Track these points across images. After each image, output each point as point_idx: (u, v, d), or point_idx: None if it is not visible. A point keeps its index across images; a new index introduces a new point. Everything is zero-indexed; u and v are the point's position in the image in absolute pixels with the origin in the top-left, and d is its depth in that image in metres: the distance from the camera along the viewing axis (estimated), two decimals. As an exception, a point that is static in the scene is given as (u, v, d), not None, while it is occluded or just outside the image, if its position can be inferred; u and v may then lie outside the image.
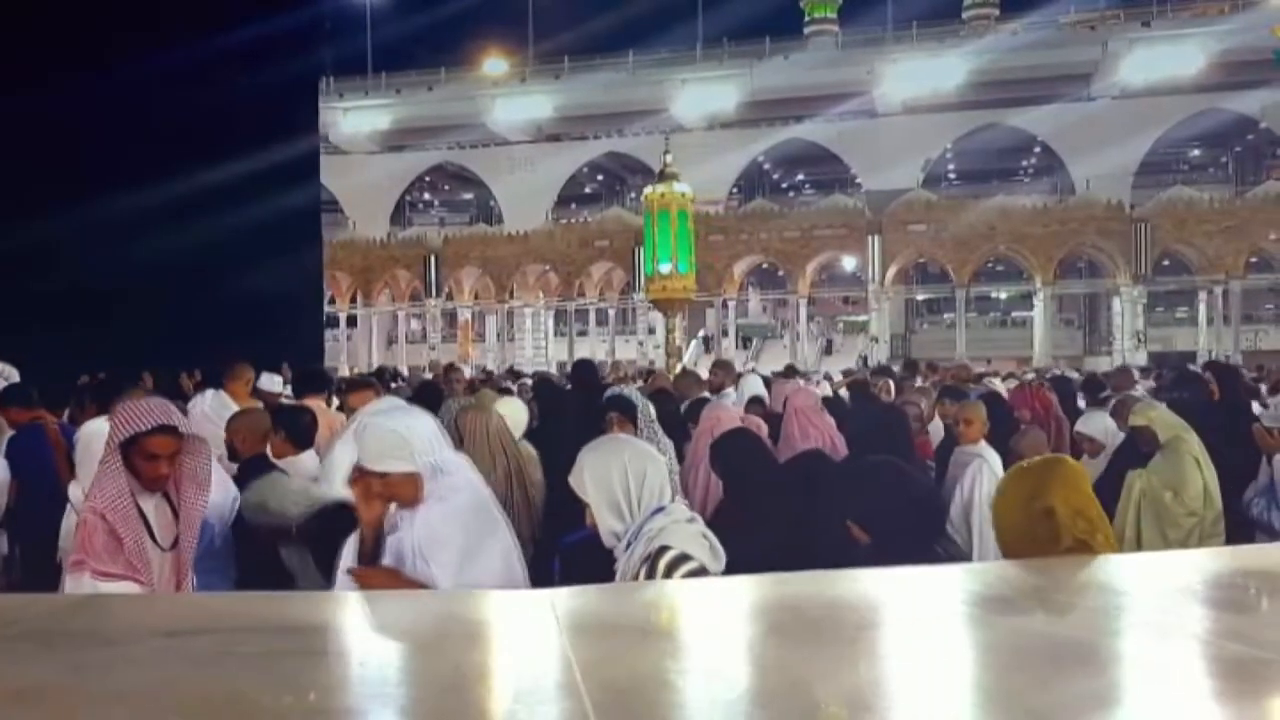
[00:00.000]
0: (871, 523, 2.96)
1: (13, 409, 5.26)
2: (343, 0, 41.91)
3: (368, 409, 3.83)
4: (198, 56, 9.20)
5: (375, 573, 2.49)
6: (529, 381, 11.15)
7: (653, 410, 5.08)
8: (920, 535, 3.03)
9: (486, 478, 5.02)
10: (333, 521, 3.06)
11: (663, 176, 13.48)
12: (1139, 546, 4.12)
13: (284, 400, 6.98)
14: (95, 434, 4.46)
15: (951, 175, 44.46)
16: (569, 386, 8.30)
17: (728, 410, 6.11)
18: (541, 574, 3.21)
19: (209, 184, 9.29)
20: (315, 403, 6.27)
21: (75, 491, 4.03)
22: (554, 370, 25.48)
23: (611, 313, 36.86)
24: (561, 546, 3.42)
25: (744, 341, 38.15)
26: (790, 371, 11.25)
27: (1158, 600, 1.54)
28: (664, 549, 2.40)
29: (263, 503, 3.60)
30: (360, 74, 43.54)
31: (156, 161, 8.68)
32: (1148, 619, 1.42)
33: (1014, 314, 40.97)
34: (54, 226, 7.92)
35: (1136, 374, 11.11)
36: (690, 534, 2.48)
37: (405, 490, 2.49)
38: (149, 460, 2.58)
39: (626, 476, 2.50)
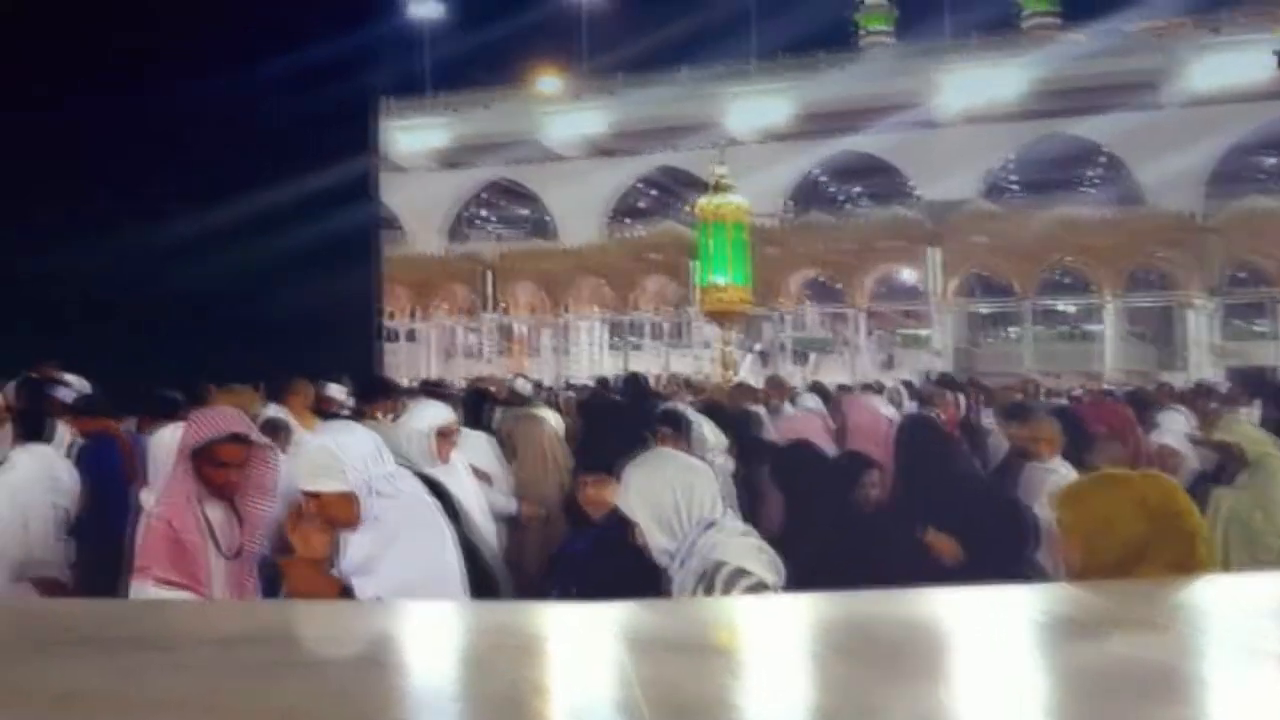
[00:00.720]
0: (956, 535, 2.88)
1: (83, 418, 5.40)
2: (400, 22, 42.67)
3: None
4: (261, 79, 9.43)
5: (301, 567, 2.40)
6: (570, 395, 11.18)
7: (706, 424, 5.04)
8: (1006, 551, 2.93)
9: (538, 488, 5.04)
10: None
11: (716, 188, 13.43)
12: (1226, 568, 3.96)
13: (346, 411, 7.08)
14: (166, 442, 4.54)
15: (1013, 185, 43.71)
16: (619, 399, 8.28)
17: (807, 422, 6.03)
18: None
19: (269, 202, 9.49)
20: (378, 412, 6.36)
21: (147, 498, 4.10)
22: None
23: (666, 326, 36.83)
24: (562, 555, 3.39)
25: (801, 355, 37.83)
26: (852, 387, 11.12)
27: (1248, 624, 1.45)
28: (720, 564, 2.35)
29: None
30: (418, 94, 44.24)
31: (220, 179, 8.90)
32: (1238, 643, 1.34)
33: (1082, 327, 40.03)
34: (124, 243, 8.14)
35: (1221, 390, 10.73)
36: (746, 547, 2.43)
37: (339, 510, 2.41)
38: (219, 467, 2.63)
39: (674, 492, 2.44)
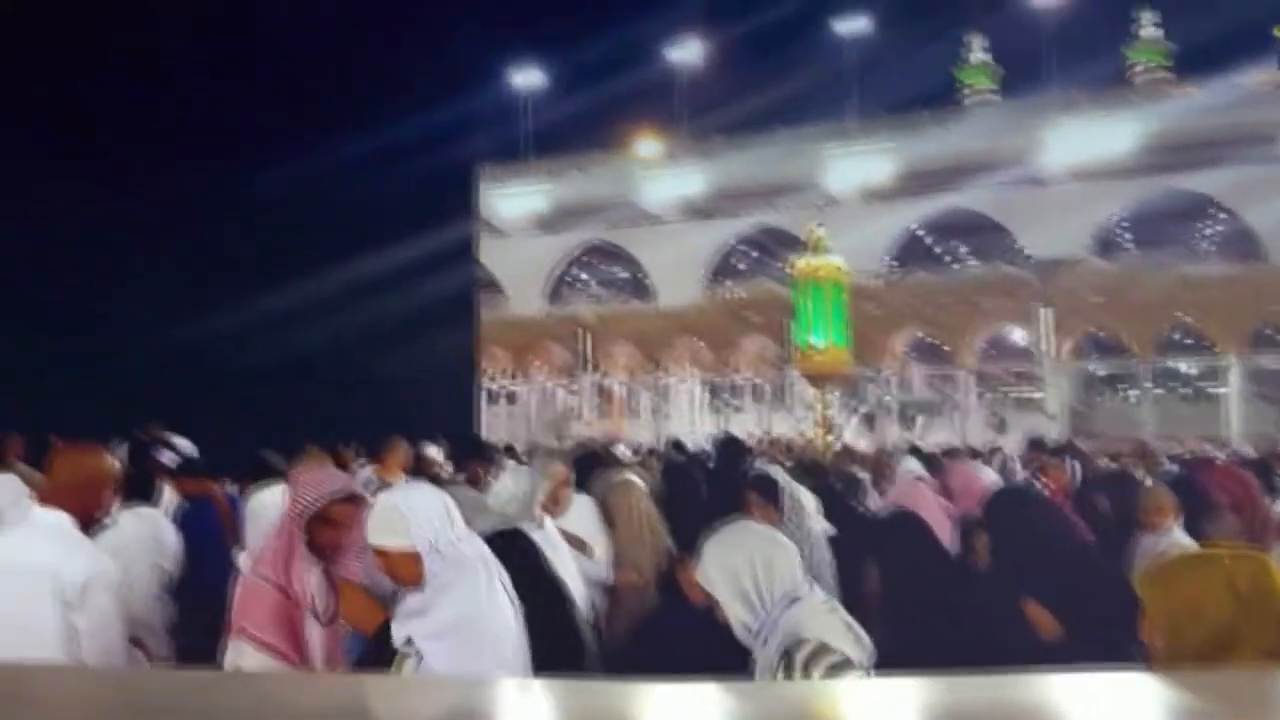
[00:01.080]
0: (1061, 610, 2.68)
1: (186, 480, 5.53)
2: (502, 91, 44.23)
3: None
4: (367, 149, 9.82)
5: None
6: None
7: (801, 490, 4.85)
8: (1112, 628, 2.71)
9: (634, 556, 4.91)
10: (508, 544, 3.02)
11: (813, 249, 13.32)
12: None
13: (443, 471, 7.14)
14: (266, 503, 4.59)
15: (1126, 242, 42.24)
16: (704, 465, 8.12)
17: (912, 490, 5.77)
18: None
19: (372, 267, 9.78)
20: (474, 472, 6.38)
21: (243, 560, 4.13)
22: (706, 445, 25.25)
23: (766, 387, 36.52)
24: (652, 629, 3.26)
25: (907, 417, 36.96)
26: (959, 451, 10.71)
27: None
28: (801, 641, 2.24)
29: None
30: (518, 160, 45.52)
31: (324, 245, 9.24)
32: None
33: (1204, 388, 38.08)
34: (229, 309, 8.48)
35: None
36: (830, 623, 2.32)
37: (404, 569, 2.42)
38: (332, 528, 2.63)
39: (754, 566, 2.38)
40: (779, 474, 4.15)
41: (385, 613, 2.46)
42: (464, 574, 2.43)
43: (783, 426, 33.96)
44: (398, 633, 2.41)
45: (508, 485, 4.18)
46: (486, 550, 2.55)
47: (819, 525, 4.80)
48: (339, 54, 10.23)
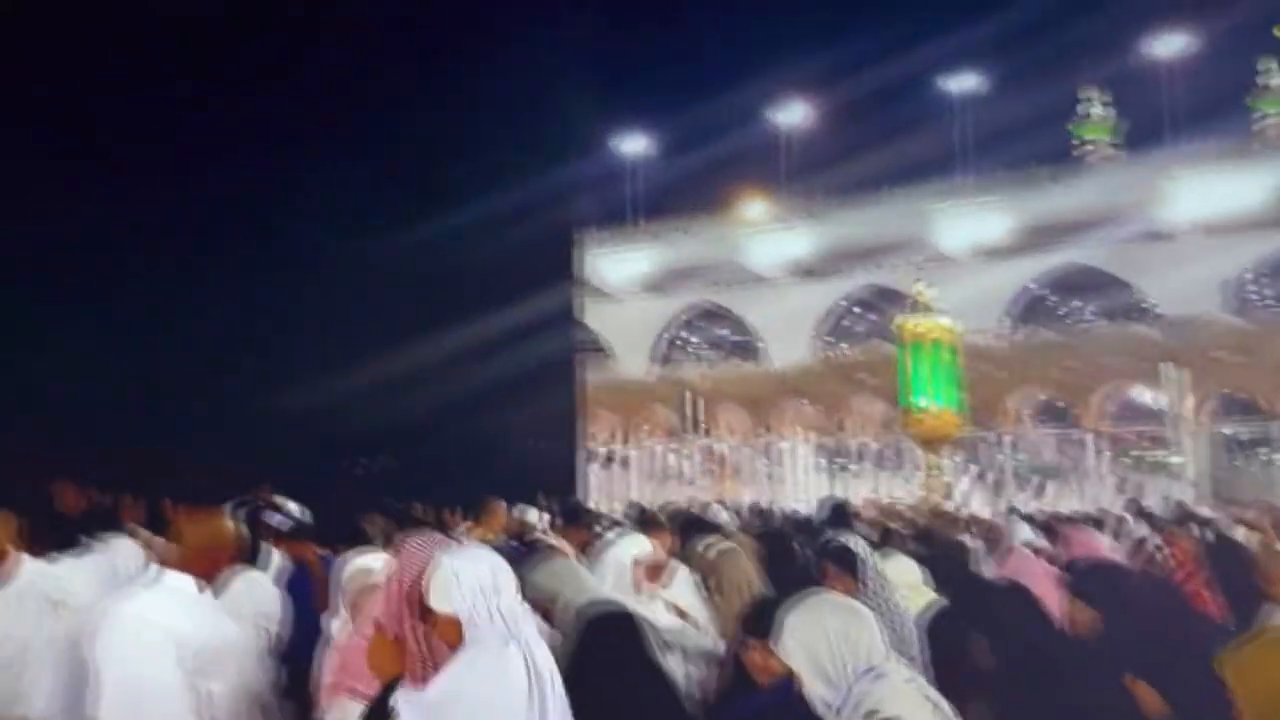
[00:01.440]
0: (1168, 689, 2.51)
1: (292, 544, 5.67)
2: (605, 155, 45.23)
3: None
4: (471, 215, 10.14)
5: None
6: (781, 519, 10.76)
7: (898, 559, 4.66)
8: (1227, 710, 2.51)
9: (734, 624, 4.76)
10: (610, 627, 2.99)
11: (917, 308, 13.04)
12: None
13: (541, 534, 7.12)
14: (355, 566, 4.66)
15: (1258, 298, 40.06)
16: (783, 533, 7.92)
17: (1024, 561, 5.51)
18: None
19: (476, 330, 10.01)
20: (573, 537, 6.36)
21: (331, 624, 4.18)
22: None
23: (878, 449, 35.67)
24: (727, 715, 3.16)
25: (1028, 481, 35.50)
26: (1077, 518, 10.18)
27: None
28: (873, 713, 2.20)
29: (528, 577, 3.66)
30: (623, 223, 46.30)
31: (428, 309, 9.53)
32: None
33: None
34: (336, 375, 8.78)
35: None
36: (909, 696, 2.26)
37: (448, 632, 2.42)
38: None
39: (831, 638, 2.35)
40: (858, 544, 4.00)
41: (401, 669, 2.48)
42: (479, 651, 2.40)
43: (897, 490, 33.07)
44: (398, 693, 2.42)
45: (609, 555, 4.15)
46: (530, 628, 2.49)
47: (926, 596, 4.60)
48: (446, 121, 10.62)
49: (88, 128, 7.80)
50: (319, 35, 9.28)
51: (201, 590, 2.92)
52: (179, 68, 8.31)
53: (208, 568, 2.97)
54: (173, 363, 7.96)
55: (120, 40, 7.88)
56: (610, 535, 4.98)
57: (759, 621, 2.91)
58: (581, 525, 7.16)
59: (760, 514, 11.27)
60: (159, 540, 5.14)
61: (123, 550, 4.49)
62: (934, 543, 6.36)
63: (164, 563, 2.97)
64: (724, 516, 10.00)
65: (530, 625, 2.52)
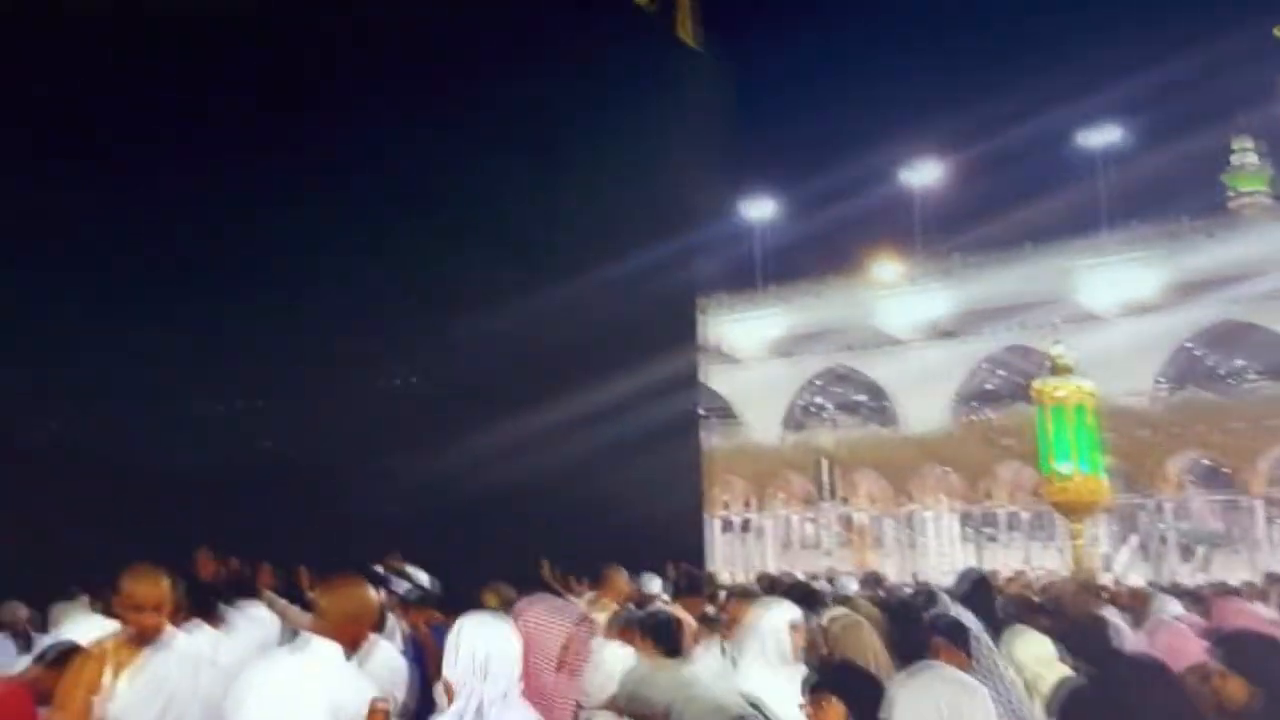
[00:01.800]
0: None
1: (415, 611, 5.81)
2: (731, 219, 45.52)
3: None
4: (595, 280, 10.36)
5: None
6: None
7: (1024, 635, 4.46)
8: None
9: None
10: None
11: (1056, 370, 12.54)
12: None
13: (662, 603, 7.07)
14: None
15: None
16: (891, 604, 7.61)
17: (1174, 636, 5.17)
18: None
19: (595, 394, 10.14)
20: (692, 606, 6.30)
21: (439, 693, 4.25)
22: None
23: (1024, 516, 34.09)
24: None
25: (1187, 550, 33.20)
26: (1234, 589, 9.46)
27: None
28: None
29: (633, 692, 3.67)
30: (750, 286, 46.30)
31: (552, 374, 9.73)
32: None
33: None
34: (464, 440, 9.03)
35: None
36: None
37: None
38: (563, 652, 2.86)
39: (943, 712, 2.34)
40: (969, 618, 3.86)
41: None
42: None
43: (1050, 561, 31.39)
44: None
45: (765, 623, 4.09)
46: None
47: (1059, 672, 4.40)
48: (573, 186, 10.92)
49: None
50: (448, 103, 9.63)
51: (348, 658, 3.04)
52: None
53: (353, 636, 3.07)
54: (303, 434, 8.33)
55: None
56: (761, 603, 4.94)
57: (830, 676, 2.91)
58: (701, 595, 7.07)
59: (882, 584, 10.91)
60: (294, 608, 5.38)
61: (261, 618, 4.71)
62: (1071, 616, 6.02)
63: (314, 629, 3.08)
64: (853, 587, 9.73)
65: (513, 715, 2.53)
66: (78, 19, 7.59)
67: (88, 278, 7.52)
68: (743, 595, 5.62)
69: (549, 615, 2.83)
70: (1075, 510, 12.21)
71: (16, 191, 7.13)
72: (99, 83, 7.68)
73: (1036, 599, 8.67)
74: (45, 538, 6.62)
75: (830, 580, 10.55)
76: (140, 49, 7.93)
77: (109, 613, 4.19)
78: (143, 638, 3.44)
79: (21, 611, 5.95)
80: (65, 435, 7.48)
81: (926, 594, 6.68)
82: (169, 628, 3.56)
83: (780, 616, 4.11)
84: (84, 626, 4.14)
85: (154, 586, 3.46)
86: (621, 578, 7.17)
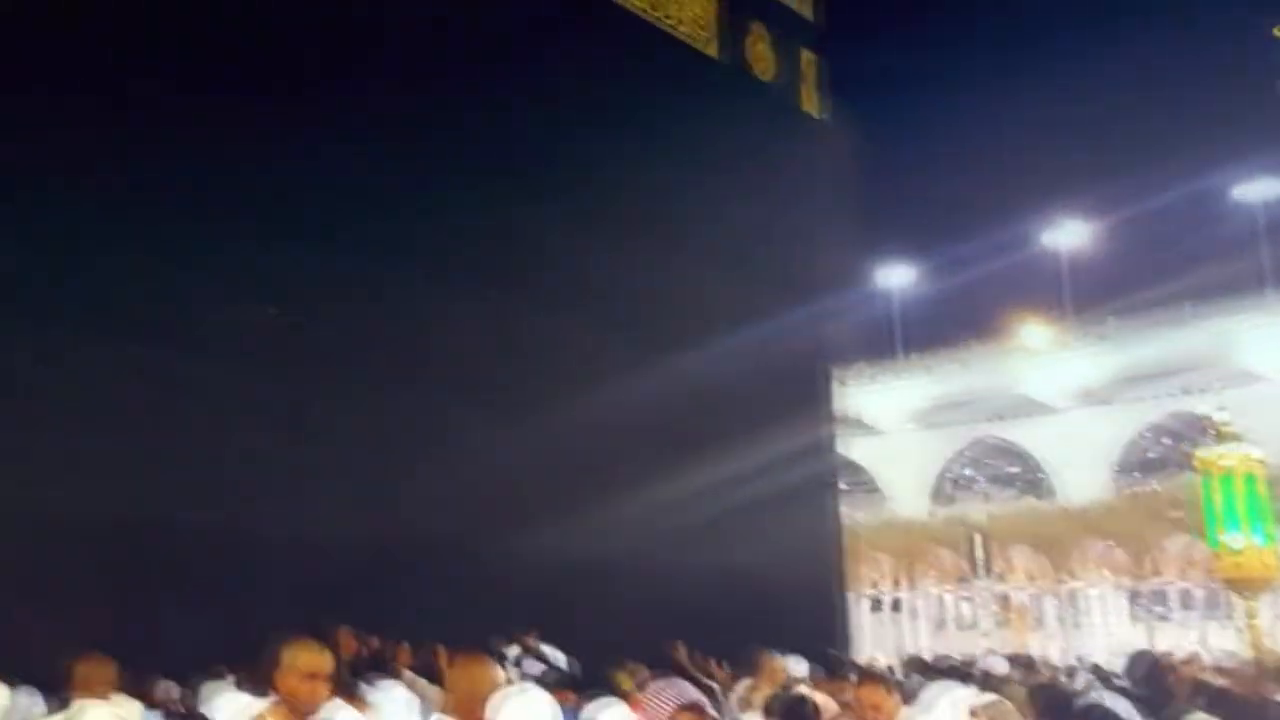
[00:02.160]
0: None
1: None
2: (867, 286, 44.71)
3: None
4: (723, 348, 10.40)
5: None
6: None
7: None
8: None
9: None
10: None
11: (1220, 437, 11.78)
12: None
13: (804, 687, 6.91)
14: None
15: None
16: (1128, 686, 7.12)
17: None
18: None
19: (726, 465, 10.08)
20: (835, 690, 6.11)
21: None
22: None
23: (1198, 594, 31.60)
24: None
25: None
26: None
27: None
28: None
29: None
30: (890, 355, 45.22)
31: (683, 443, 9.74)
32: None
33: None
34: (590, 520, 9.11)
35: None
36: None
37: None
38: None
39: None
40: (1120, 704, 3.62)
41: None
42: None
43: (1228, 642, 28.95)
44: None
45: (943, 705, 3.99)
46: None
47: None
48: (704, 253, 11.04)
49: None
50: (592, 188, 9.94)
51: None
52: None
53: (477, 713, 3.10)
54: (429, 510, 8.56)
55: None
56: (937, 685, 4.81)
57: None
58: (843, 679, 6.86)
59: (1033, 667, 10.34)
60: (433, 688, 5.50)
61: (398, 696, 4.85)
62: (1239, 701, 5.57)
63: (443, 708, 3.22)
64: (1002, 668, 9.29)
65: None
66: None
67: (232, 366, 8.00)
68: (871, 678, 5.42)
69: (656, 698, 2.84)
70: (1249, 586, 11.32)
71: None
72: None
73: (1212, 683, 8.05)
74: (189, 615, 6.89)
75: (973, 664, 10.06)
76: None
77: (256, 691, 4.38)
78: (301, 710, 3.38)
79: (174, 691, 6.17)
80: (216, 519, 7.75)
81: (1079, 676, 6.29)
82: (332, 699, 3.59)
83: (962, 699, 3.99)
84: (233, 705, 4.34)
85: (320, 654, 3.42)
86: (775, 662, 7.00)
